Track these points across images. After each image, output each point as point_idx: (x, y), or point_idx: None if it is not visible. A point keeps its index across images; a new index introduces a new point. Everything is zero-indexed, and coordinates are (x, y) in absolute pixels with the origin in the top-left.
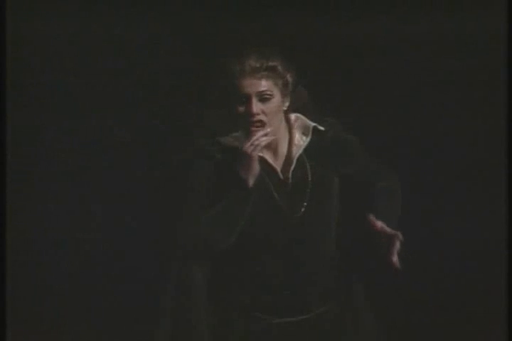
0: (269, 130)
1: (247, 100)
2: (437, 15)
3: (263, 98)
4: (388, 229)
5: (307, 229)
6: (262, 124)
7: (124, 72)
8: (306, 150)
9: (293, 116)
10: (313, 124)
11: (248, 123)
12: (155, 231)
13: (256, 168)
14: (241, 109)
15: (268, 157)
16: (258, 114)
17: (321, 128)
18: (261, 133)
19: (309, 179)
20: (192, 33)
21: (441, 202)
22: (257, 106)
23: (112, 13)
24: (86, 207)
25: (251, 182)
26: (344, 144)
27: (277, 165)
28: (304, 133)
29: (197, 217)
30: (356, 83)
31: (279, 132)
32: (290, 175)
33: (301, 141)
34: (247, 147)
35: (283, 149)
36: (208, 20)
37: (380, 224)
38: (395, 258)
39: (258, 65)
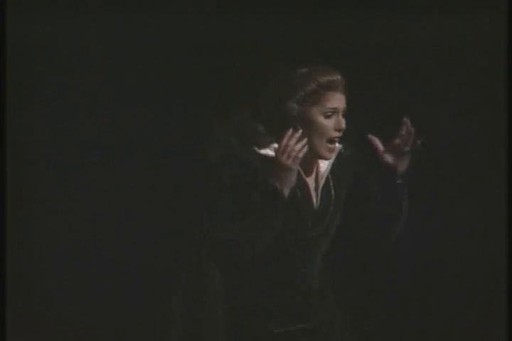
0: (305, 140)
1: (332, 114)
2: (437, 16)
3: (344, 114)
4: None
5: (318, 244)
6: (338, 140)
7: (124, 72)
8: (331, 168)
9: None
10: (340, 146)
11: (326, 138)
12: (165, 234)
13: (292, 180)
14: (325, 122)
15: (302, 171)
16: (343, 129)
17: (343, 150)
18: (296, 143)
19: (332, 198)
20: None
21: (441, 202)
22: (343, 122)
23: (112, 13)
24: (86, 207)
25: (286, 193)
26: (357, 166)
27: (309, 180)
28: (339, 154)
29: (227, 226)
30: (356, 83)
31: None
32: (319, 192)
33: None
34: (285, 158)
35: (315, 165)
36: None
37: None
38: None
39: (342, 80)
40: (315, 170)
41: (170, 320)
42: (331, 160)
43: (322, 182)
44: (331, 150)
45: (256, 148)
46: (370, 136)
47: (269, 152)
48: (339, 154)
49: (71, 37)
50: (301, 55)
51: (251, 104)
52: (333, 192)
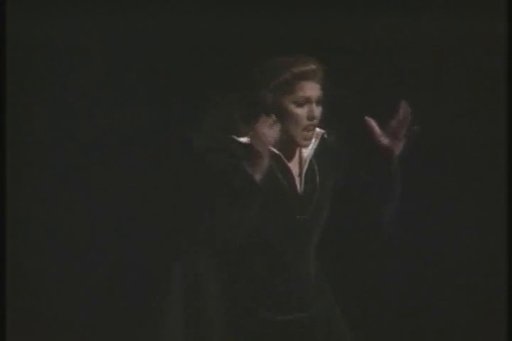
0: (277, 127)
1: (305, 103)
2: (437, 15)
3: (317, 103)
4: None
5: (309, 231)
6: (314, 128)
7: (124, 72)
8: (315, 154)
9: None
10: (323, 131)
11: (300, 127)
12: (159, 230)
13: (264, 165)
14: (297, 110)
15: (283, 156)
16: (316, 118)
17: (326, 136)
18: (268, 129)
19: (317, 182)
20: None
21: (440, 202)
22: (317, 111)
23: (112, 13)
24: (86, 207)
25: (257, 177)
26: (343, 151)
27: (291, 165)
28: (315, 137)
29: (211, 213)
30: (354, 83)
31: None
32: (303, 177)
33: (311, 144)
34: (257, 144)
35: (297, 150)
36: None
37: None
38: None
39: (317, 69)
40: (298, 156)
41: (170, 313)
42: (314, 146)
43: (305, 167)
44: (307, 138)
45: (234, 136)
46: (366, 117)
47: (246, 139)
48: (322, 140)
49: (71, 37)
50: (300, 53)
51: (231, 93)
52: (318, 178)
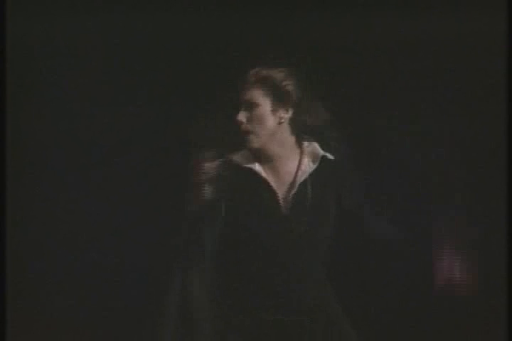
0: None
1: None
2: (437, 15)
3: (247, 107)
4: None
5: (298, 256)
6: (247, 133)
7: (124, 72)
8: (311, 176)
9: (306, 142)
10: (323, 153)
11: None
12: (159, 230)
13: (200, 196)
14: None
15: (271, 179)
16: (242, 123)
17: (331, 157)
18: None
19: (308, 204)
20: (196, 35)
21: (440, 202)
22: (241, 115)
23: (112, 13)
24: (86, 207)
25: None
26: (347, 176)
27: (279, 187)
28: (313, 161)
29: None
30: (355, 83)
31: (286, 154)
32: (290, 199)
33: (307, 167)
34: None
35: (290, 172)
36: (210, 21)
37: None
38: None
39: (251, 75)
40: (290, 177)
41: (167, 314)
42: (311, 168)
43: (295, 189)
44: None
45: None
46: None
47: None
48: (323, 162)
49: (71, 37)
50: (301, 55)
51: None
52: (310, 199)
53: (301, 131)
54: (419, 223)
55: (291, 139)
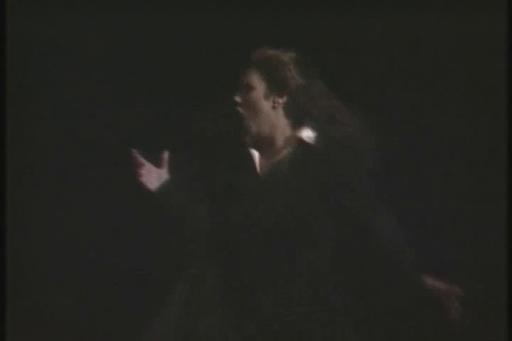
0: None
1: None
2: (437, 15)
3: (244, 89)
4: (443, 286)
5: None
6: (242, 116)
7: (124, 72)
8: (294, 159)
9: (298, 126)
10: (310, 141)
11: None
12: (159, 230)
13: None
14: None
15: (257, 155)
16: (237, 104)
17: (311, 142)
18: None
19: (283, 184)
20: (196, 32)
21: (440, 202)
22: (238, 96)
23: (112, 12)
24: (86, 207)
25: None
26: (336, 164)
27: (261, 164)
28: (299, 144)
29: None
30: (355, 83)
31: (277, 135)
32: (267, 177)
33: (290, 149)
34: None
35: (276, 151)
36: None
37: (430, 281)
38: (454, 314)
39: (255, 53)
40: (274, 157)
41: (167, 317)
42: (290, 150)
43: (273, 168)
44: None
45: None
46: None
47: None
48: (304, 145)
49: (71, 37)
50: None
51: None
52: (285, 179)
53: (296, 116)
54: (419, 223)
55: (283, 122)
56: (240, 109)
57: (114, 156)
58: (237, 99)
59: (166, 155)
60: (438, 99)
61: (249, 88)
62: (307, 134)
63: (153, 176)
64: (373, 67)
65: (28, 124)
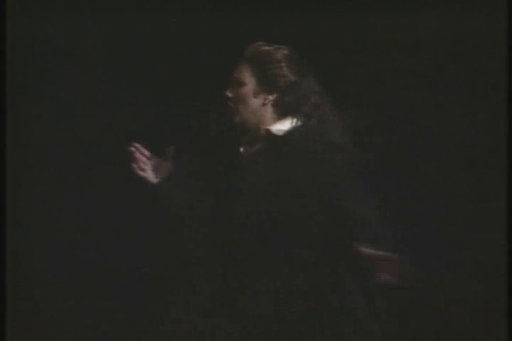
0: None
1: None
2: (437, 15)
3: (235, 84)
4: (376, 253)
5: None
6: (232, 110)
7: (123, 72)
8: (264, 152)
9: (280, 124)
10: (279, 133)
11: None
12: (159, 230)
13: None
14: None
15: (243, 144)
16: (228, 98)
17: (279, 135)
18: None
19: (260, 175)
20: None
21: (440, 202)
22: (229, 91)
23: (112, 12)
24: (86, 207)
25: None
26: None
27: (243, 159)
28: (268, 137)
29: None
30: (355, 83)
31: (263, 127)
32: (245, 172)
33: (262, 142)
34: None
35: (254, 145)
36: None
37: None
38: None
39: (249, 48)
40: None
41: (165, 317)
42: (262, 143)
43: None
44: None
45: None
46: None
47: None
48: (272, 136)
49: (71, 36)
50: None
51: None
52: (263, 169)
53: (285, 113)
54: (419, 223)
55: (271, 118)
56: (231, 104)
57: (114, 156)
58: (228, 93)
59: (171, 150)
60: (438, 99)
61: (240, 83)
62: (279, 127)
63: (157, 171)
64: (372, 66)
65: (28, 124)
